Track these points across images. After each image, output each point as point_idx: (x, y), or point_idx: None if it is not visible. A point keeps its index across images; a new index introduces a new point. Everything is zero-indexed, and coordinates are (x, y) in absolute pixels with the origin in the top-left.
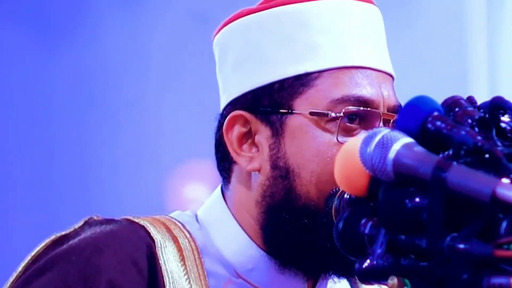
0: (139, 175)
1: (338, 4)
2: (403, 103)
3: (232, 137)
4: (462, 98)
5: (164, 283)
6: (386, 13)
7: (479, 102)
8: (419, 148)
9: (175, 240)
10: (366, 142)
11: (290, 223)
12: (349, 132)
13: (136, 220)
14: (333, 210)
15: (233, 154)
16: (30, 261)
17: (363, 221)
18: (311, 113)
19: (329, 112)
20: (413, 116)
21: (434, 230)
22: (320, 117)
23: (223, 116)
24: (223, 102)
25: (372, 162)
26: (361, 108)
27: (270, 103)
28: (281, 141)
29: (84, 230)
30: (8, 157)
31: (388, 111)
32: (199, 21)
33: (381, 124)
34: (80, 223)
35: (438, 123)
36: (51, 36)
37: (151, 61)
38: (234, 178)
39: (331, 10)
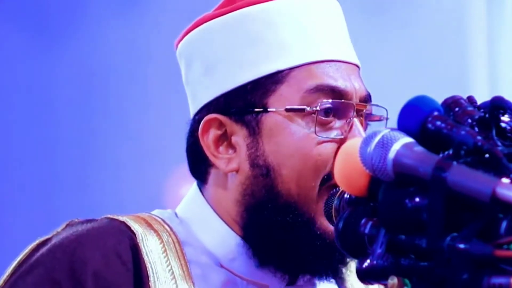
0: (141, 173)
1: (299, 1)
2: (403, 103)
3: (208, 141)
4: (462, 98)
5: (147, 274)
6: (386, 14)
7: (479, 102)
8: (419, 148)
9: (156, 233)
10: (366, 142)
11: (272, 220)
12: (325, 125)
13: (115, 217)
14: (333, 210)
15: (211, 157)
16: (17, 265)
17: (363, 221)
18: (287, 110)
19: (305, 107)
20: (413, 116)
21: (434, 230)
22: (296, 113)
23: (195, 121)
24: (195, 108)
25: (372, 162)
26: (336, 100)
27: (244, 104)
28: (259, 140)
29: (66, 231)
30: (7, 157)
31: (360, 101)
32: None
33: (354, 114)
34: (62, 226)
35: (438, 123)
36: (50, 34)
37: (152, 60)
38: (211, 180)
39: (294, 7)
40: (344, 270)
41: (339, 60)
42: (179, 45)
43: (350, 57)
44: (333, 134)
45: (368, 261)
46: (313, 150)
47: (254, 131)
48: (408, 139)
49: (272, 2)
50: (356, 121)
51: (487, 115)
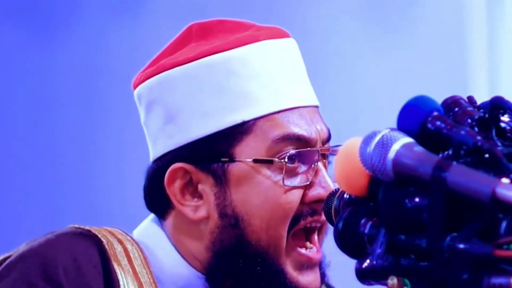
0: (141, 173)
1: (261, 48)
2: (403, 103)
3: (174, 190)
4: (462, 98)
5: (117, 279)
6: (387, 14)
7: (479, 102)
8: (419, 148)
9: (120, 242)
10: (366, 142)
11: (242, 269)
12: (292, 172)
13: (80, 226)
14: (332, 210)
15: (177, 205)
16: None
17: (363, 221)
18: (255, 161)
19: (274, 159)
20: (413, 116)
21: (434, 230)
22: (266, 164)
23: (157, 166)
24: (155, 153)
25: (372, 162)
26: (302, 149)
27: (210, 153)
28: (226, 189)
29: (30, 243)
30: (7, 156)
31: (323, 144)
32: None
33: (319, 159)
34: (22, 245)
35: (438, 123)
36: (49, 31)
37: (152, 56)
38: (172, 220)
39: (256, 55)
40: None
41: (302, 106)
42: (139, 88)
43: (310, 100)
44: (298, 180)
45: (368, 261)
46: (281, 198)
47: (221, 180)
48: (408, 139)
49: (233, 51)
50: (321, 165)
51: (487, 115)
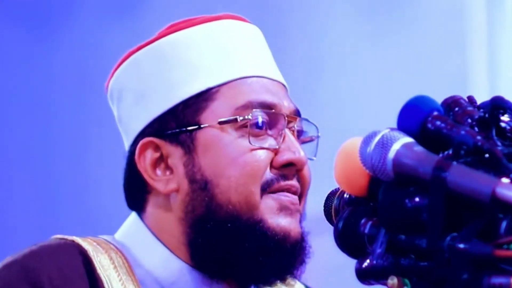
0: None
1: (223, 24)
2: (403, 103)
3: (145, 164)
4: (462, 98)
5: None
6: (387, 14)
7: (479, 102)
8: (419, 148)
9: (104, 250)
10: (366, 141)
11: (216, 232)
12: (258, 137)
13: (64, 236)
14: (332, 210)
15: (149, 180)
16: None
17: (363, 220)
18: (220, 123)
19: (238, 117)
20: (413, 116)
21: (434, 230)
22: (229, 125)
23: (131, 153)
24: (129, 140)
25: (372, 162)
26: (267, 110)
27: (177, 124)
28: (195, 156)
29: (12, 255)
30: (5, 155)
31: (290, 112)
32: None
33: (285, 125)
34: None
35: (438, 122)
36: (46, 31)
37: None
38: (150, 207)
39: (218, 30)
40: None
41: (264, 76)
42: (109, 85)
43: (275, 75)
44: (267, 144)
45: (368, 261)
46: (248, 157)
47: (189, 149)
48: (408, 139)
49: (193, 28)
50: (287, 131)
51: (487, 115)
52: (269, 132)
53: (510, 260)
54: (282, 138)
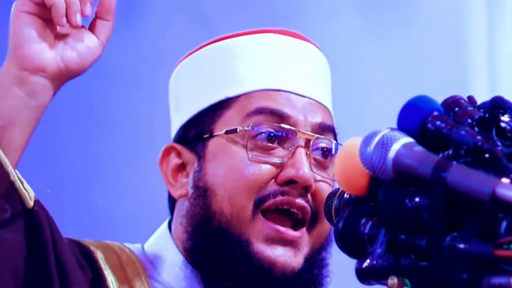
0: (137, 174)
1: (265, 38)
2: (403, 103)
3: (167, 169)
4: (462, 98)
5: (107, 284)
6: (387, 14)
7: (479, 102)
8: (419, 148)
9: (115, 253)
10: (366, 141)
11: (209, 242)
12: (266, 150)
13: (70, 238)
14: (332, 210)
15: (167, 185)
16: None
17: (363, 220)
18: (226, 132)
19: (237, 127)
20: (413, 116)
21: (434, 230)
22: (235, 135)
23: None
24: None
25: (372, 161)
26: (274, 124)
27: (196, 131)
28: (203, 164)
29: None
30: None
31: (312, 130)
32: (201, 22)
33: (298, 142)
34: None
35: (438, 122)
36: None
37: (153, 59)
38: (175, 213)
39: (256, 43)
40: None
41: (293, 91)
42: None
43: (312, 94)
44: (272, 158)
45: (368, 261)
46: (245, 170)
47: (200, 156)
48: (408, 139)
49: (238, 38)
50: (301, 151)
51: (487, 115)
52: (280, 147)
53: (510, 260)
54: (291, 153)
